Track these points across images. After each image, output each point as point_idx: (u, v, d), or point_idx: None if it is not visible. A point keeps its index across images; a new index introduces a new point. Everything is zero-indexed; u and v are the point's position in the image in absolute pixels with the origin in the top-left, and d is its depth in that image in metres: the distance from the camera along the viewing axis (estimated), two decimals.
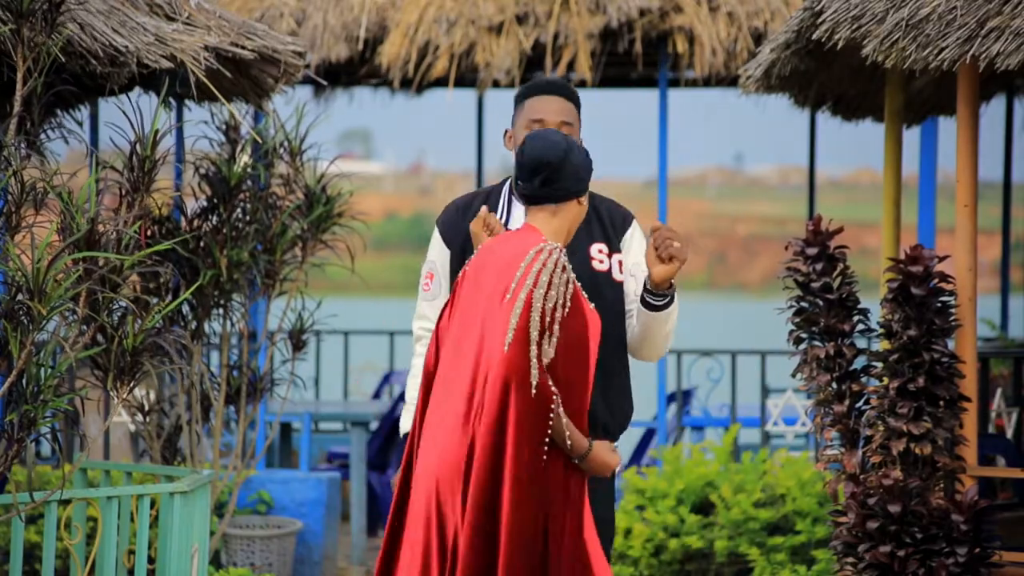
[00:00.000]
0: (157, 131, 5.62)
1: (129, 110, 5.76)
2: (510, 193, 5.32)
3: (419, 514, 4.80)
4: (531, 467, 4.75)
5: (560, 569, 4.75)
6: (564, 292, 4.78)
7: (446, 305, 4.94)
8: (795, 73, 7.10)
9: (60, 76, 5.56)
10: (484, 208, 5.15)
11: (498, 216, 5.28)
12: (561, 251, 4.82)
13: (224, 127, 7.66)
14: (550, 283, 4.76)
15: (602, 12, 10.29)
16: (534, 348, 4.74)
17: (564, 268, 4.80)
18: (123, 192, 5.68)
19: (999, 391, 9.72)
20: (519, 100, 5.33)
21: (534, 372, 4.73)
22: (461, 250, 5.25)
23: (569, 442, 4.80)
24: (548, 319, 4.75)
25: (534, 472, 4.76)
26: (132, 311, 5.36)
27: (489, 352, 4.76)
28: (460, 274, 4.94)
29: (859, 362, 6.61)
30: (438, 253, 5.30)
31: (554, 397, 4.75)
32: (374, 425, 10.93)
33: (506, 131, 5.35)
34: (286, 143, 7.73)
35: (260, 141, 7.68)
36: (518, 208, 5.29)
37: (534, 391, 4.73)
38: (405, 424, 5.26)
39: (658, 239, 5.03)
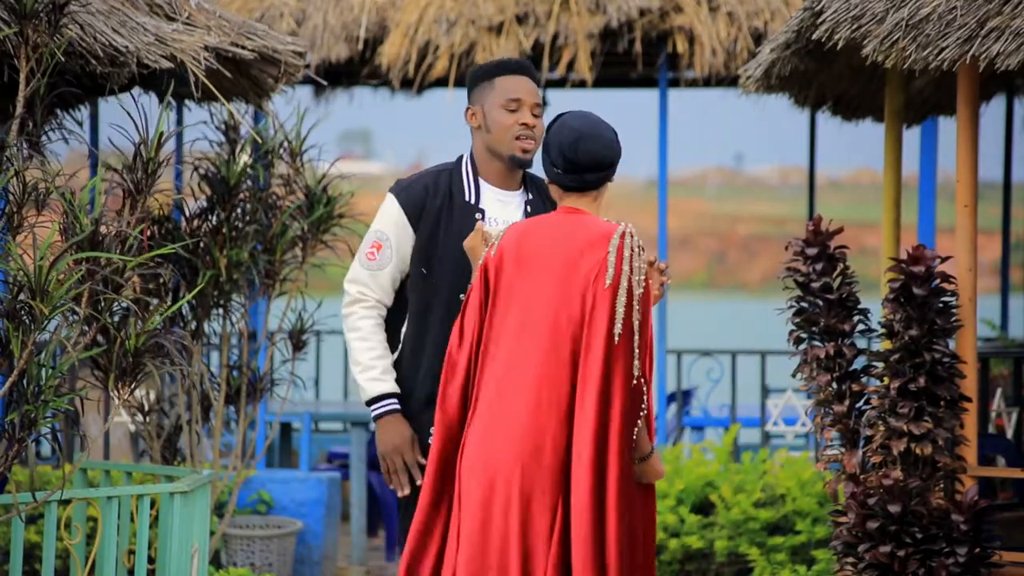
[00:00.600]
0: (162, 133, 5.61)
1: (131, 110, 5.75)
2: (474, 174, 5.33)
3: (490, 501, 4.76)
4: (630, 461, 4.78)
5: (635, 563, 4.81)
6: (644, 275, 4.84)
7: (472, 296, 4.90)
8: (795, 73, 7.10)
9: (62, 77, 5.55)
10: (481, 224, 5.15)
11: (466, 197, 5.30)
12: (636, 232, 4.89)
13: (224, 127, 7.65)
14: (640, 268, 4.82)
15: (602, 12, 10.29)
16: (636, 338, 4.78)
17: (643, 250, 4.85)
18: (126, 193, 5.67)
19: (999, 391, 9.73)
20: (486, 77, 5.31)
21: (636, 363, 4.77)
22: (430, 235, 5.25)
23: (639, 441, 4.82)
24: (640, 306, 4.81)
25: (631, 466, 4.79)
26: (133, 312, 5.36)
27: (587, 338, 4.76)
28: (494, 259, 4.89)
29: (859, 362, 6.61)
30: (396, 229, 5.26)
31: (644, 390, 4.79)
32: (374, 425, 10.93)
33: (468, 108, 5.34)
34: (286, 144, 7.72)
35: (260, 141, 7.68)
36: (486, 188, 5.32)
37: (634, 382, 4.76)
38: (372, 388, 5.22)
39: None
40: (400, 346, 5.33)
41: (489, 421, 4.82)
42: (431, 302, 5.24)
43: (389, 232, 5.27)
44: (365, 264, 5.28)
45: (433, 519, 4.89)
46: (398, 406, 5.24)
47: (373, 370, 5.23)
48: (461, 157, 5.38)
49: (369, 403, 5.25)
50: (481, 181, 5.32)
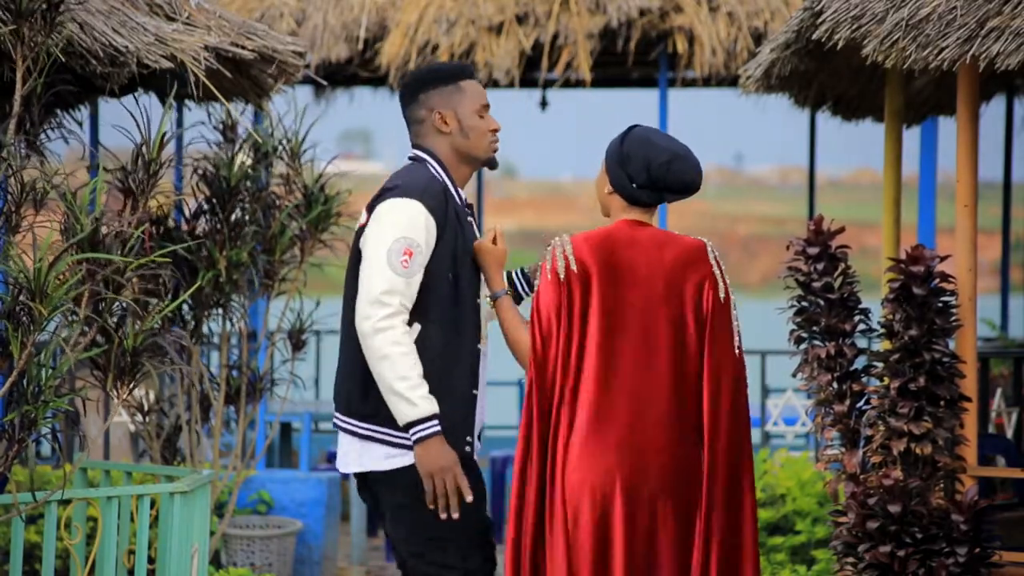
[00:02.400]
0: (164, 134, 5.60)
1: (132, 111, 5.75)
2: (449, 178, 5.24)
3: (624, 515, 4.81)
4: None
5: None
6: None
7: (547, 308, 4.90)
8: (795, 73, 7.10)
9: (61, 76, 5.55)
10: (498, 228, 5.18)
11: (458, 200, 5.23)
12: None
13: (221, 127, 7.65)
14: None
15: (602, 12, 10.30)
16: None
17: None
18: (126, 194, 5.67)
19: (999, 391, 9.73)
20: (449, 80, 5.21)
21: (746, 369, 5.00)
22: (454, 240, 5.12)
23: None
24: None
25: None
26: (132, 311, 5.35)
27: (715, 353, 4.90)
28: (577, 273, 4.90)
29: (860, 362, 6.61)
30: (426, 236, 5.06)
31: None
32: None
33: (436, 112, 5.20)
34: (284, 143, 7.72)
35: (260, 141, 7.68)
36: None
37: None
38: (426, 407, 4.96)
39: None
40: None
41: (607, 432, 4.83)
42: (462, 310, 5.11)
43: (420, 239, 5.05)
44: (400, 272, 5.01)
45: (538, 540, 4.90)
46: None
47: (423, 387, 4.99)
48: (424, 161, 5.22)
49: (416, 422, 4.98)
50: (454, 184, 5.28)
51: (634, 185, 4.93)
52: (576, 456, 4.83)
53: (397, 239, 5.03)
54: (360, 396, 5.13)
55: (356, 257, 5.12)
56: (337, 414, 5.22)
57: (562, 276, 4.89)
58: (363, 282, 5.03)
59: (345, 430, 5.17)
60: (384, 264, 5.01)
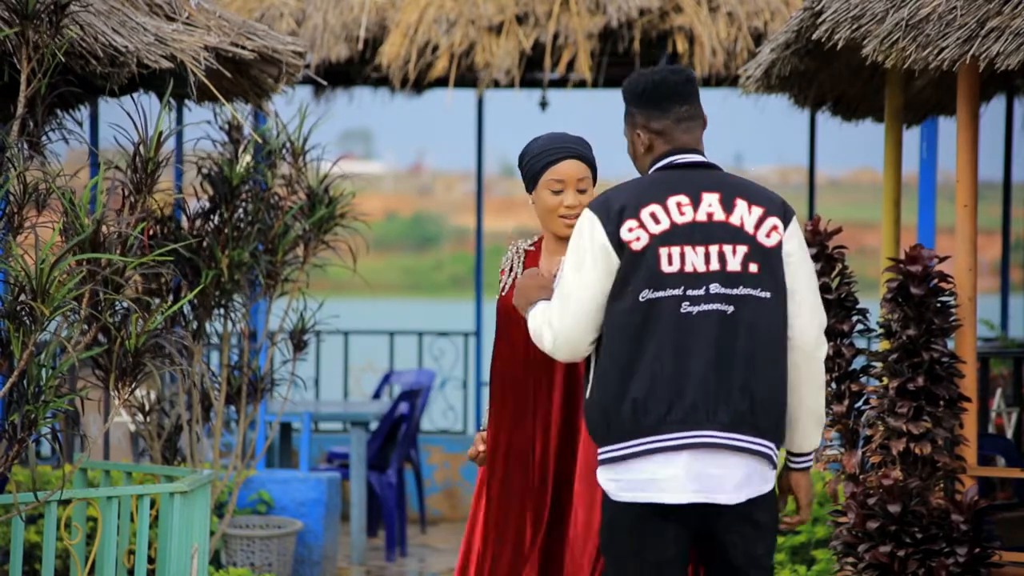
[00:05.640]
0: (161, 132, 5.61)
1: (131, 110, 5.76)
2: None
3: None
4: None
5: None
6: None
7: None
8: (795, 73, 7.11)
9: (63, 77, 5.56)
10: None
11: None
12: None
13: (227, 127, 7.65)
14: None
15: (602, 12, 10.30)
16: None
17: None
18: (126, 193, 5.68)
19: (999, 391, 9.73)
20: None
21: None
22: None
23: None
24: None
25: None
26: (134, 311, 5.35)
27: None
28: None
29: (858, 362, 6.62)
30: None
31: None
32: (374, 425, 10.93)
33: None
34: (289, 144, 7.72)
35: (263, 142, 7.68)
36: None
37: None
38: None
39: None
40: None
41: None
42: None
43: None
44: None
45: None
46: None
47: None
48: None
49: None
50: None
51: None
52: None
53: None
54: (783, 418, 4.76)
55: (779, 269, 4.68)
56: (748, 437, 4.71)
57: None
58: (814, 309, 4.71)
59: (755, 452, 4.71)
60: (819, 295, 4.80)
